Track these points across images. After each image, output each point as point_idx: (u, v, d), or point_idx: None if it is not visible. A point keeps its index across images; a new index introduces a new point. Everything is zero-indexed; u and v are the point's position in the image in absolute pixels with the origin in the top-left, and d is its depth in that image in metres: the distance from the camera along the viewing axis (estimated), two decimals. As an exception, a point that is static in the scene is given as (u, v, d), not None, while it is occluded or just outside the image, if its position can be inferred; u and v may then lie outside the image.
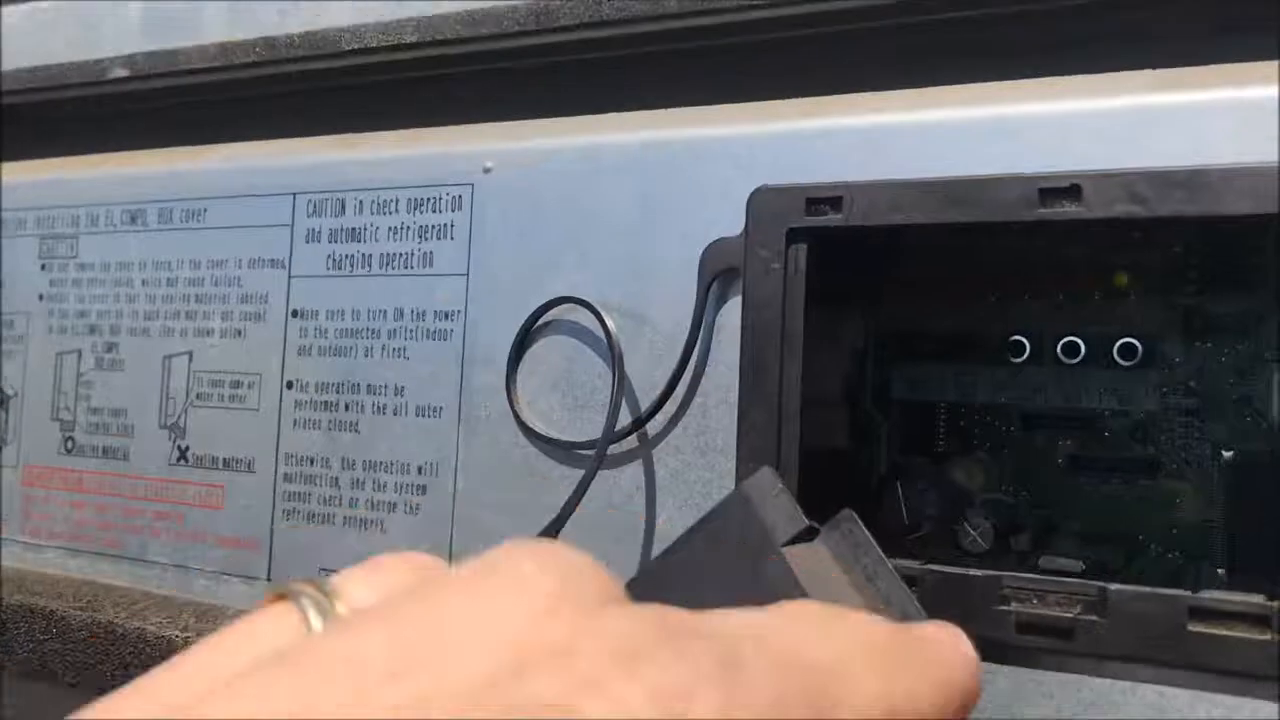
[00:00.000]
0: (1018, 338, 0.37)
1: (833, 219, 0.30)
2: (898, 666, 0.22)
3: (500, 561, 0.20)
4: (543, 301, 0.34)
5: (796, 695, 0.19)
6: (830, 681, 0.20)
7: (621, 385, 0.32)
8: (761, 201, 0.31)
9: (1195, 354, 0.35)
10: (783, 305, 0.30)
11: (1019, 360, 0.37)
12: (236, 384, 0.40)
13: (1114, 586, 0.27)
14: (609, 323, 0.32)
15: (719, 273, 0.31)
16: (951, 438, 0.38)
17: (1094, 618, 0.27)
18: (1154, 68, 0.28)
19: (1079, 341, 0.36)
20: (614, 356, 0.32)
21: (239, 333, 0.40)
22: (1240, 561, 0.35)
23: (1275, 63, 0.28)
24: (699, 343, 0.32)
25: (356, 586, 0.21)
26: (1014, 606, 0.28)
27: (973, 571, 0.28)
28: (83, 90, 0.42)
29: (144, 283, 0.43)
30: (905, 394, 0.39)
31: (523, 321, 0.34)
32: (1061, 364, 0.37)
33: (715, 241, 0.32)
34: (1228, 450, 0.35)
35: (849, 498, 0.35)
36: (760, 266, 0.31)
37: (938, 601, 0.28)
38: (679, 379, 0.32)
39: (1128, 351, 0.36)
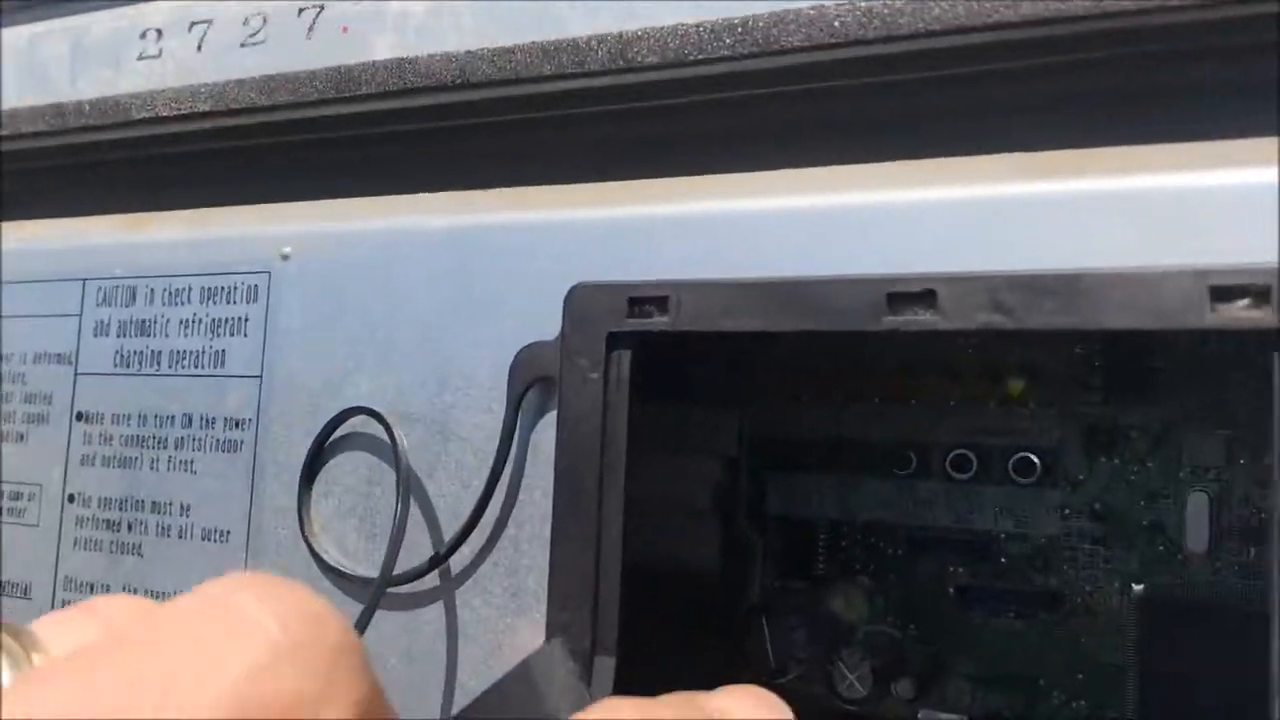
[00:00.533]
0: (904, 450, 0.33)
1: (658, 322, 0.25)
2: None
3: (216, 598, 0.17)
4: (337, 411, 0.29)
5: None
6: None
7: (406, 511, 0.27)
8: (579, 301, 0.26)
9: (1100, 471, 0.31)
10: (603, 420, 0.26)
11: (905, 473, 0.33)
12: (16, 495, 0.35)
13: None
14: (400, 439, 0.28)
15: (532, 382, 0.27)
16: (832, 561, 0.34)
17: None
18: (1025, 150, 0.24)
19: (970, 455, 0.32)
20: (401, 477, 0.27)
21: (21, 436, 0.35)
22: (1154, 711, 0.30)
23: (1174, 145, 0.24)
24: (510, 464, 0.27)
25: (61, 633, 0.19)
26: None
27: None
28: None
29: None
30: (781, 509, 0.34)
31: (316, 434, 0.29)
32: (952, 479, 0.32)
33: (528, 346, 0.27)
34: (1138, 583, 0.30)
35: (711, 629, 0.30)
36: (577, 376, 0.26)
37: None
38: (485, 507, 0.27)
39: (1024, 467, 0.31)
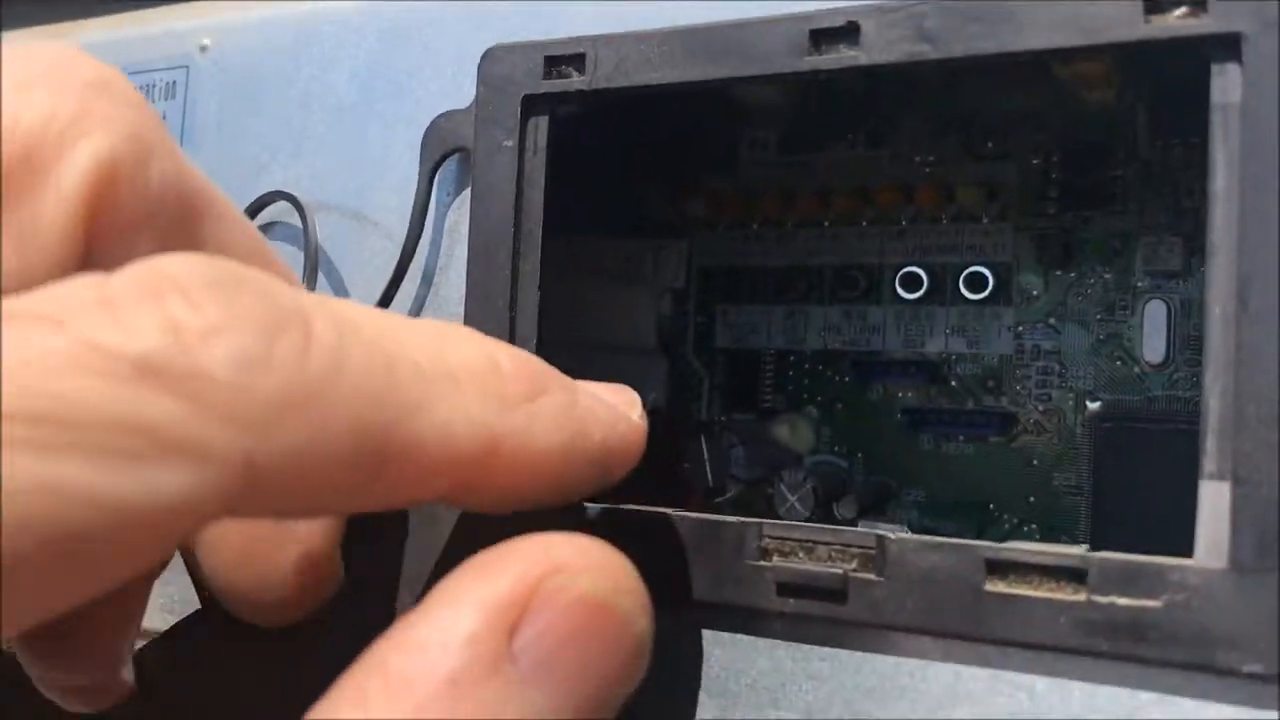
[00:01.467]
0: (852, 271, 0.31)
1: (575, 82, 0.24)
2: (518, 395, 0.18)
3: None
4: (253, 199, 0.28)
5: (360, 363, 0.16)
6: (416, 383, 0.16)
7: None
8: (493, 63, 0.25)
9: (1055, 285, 0.29)
10: (517, 192, 0.24)
11: (854, 296, 0.31)
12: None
13: (895, 535, 0.21)
14: (312, 223, 0.26)
15: (446, 154, 0.26)
16: (779, 392, 0.32)
17: (871, 575, 0.21)
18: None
19: (920, 272, 0.31)
20: (309, 263, 0.26)
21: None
22: (1109, 533, 0.29)
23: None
24: (425, 245, 0.26)
25: None
26: (775, 562, 0.21)
27: (726, 518, 0.22)
28: None
29: None
30: (729, 341, 0.33)
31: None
32: (902, 301, 0.31)
33: (441, 115, 0.26)
34: (1093, 400, 0.29)
35: (652, 458, 0.29)
36: (492, 144, 0.25)
37: (689, 556, 0.22)
38: (394, 291, 0.26)
39: (977, 283, 0.30)
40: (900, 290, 0.31)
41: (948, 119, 0.30)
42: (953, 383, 0.30)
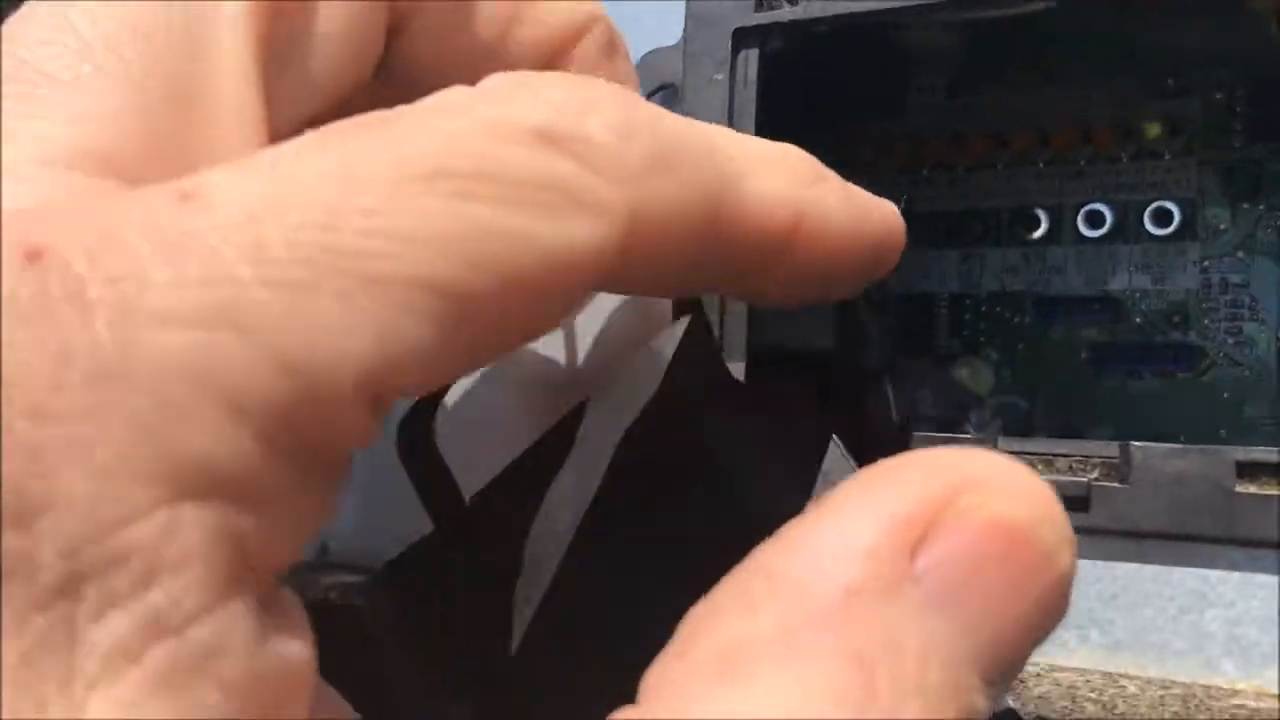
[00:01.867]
0: (1033, 210, 0.31)
1: (786, 13, 0.24)
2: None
3: None
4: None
5: (694, 137, 0.17)
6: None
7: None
8: (703, 2, 0.25)
9: (1243, 218, 0.29)
10: (729, 125, 0.25)
11: (1035, 237, 0.31)
12: None
13: (1139, 444, 0.21)
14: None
15: (653, 91, 0.26)
16: (954, 335, 0.33)
17: (1114, 484, 0.21)
18: None
19: (1104, 209, 0.31)
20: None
21: None
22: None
23: None
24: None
25: None
26: (1012, 475, 0.22)
27: (960, 436, 0.22)
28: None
29: None
30: (901, 286, 0.33)
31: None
32: (1084, 239, 0.31)
33: (649, 52, 0.26)
34: (1287, 331, 0.29)
35: (834, 400, 0.29)
36: (700, 79, 0.25)
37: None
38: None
39: (1162, 218, 0.30)
40: (1082, 228, 0.31)
41: (1124, 58, 0.30)
42: (1137, 319, 0.30)
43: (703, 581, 0.17)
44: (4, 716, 0.12)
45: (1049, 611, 0.15)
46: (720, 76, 0.25)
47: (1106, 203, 0.30)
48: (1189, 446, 0.20)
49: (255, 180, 0.14)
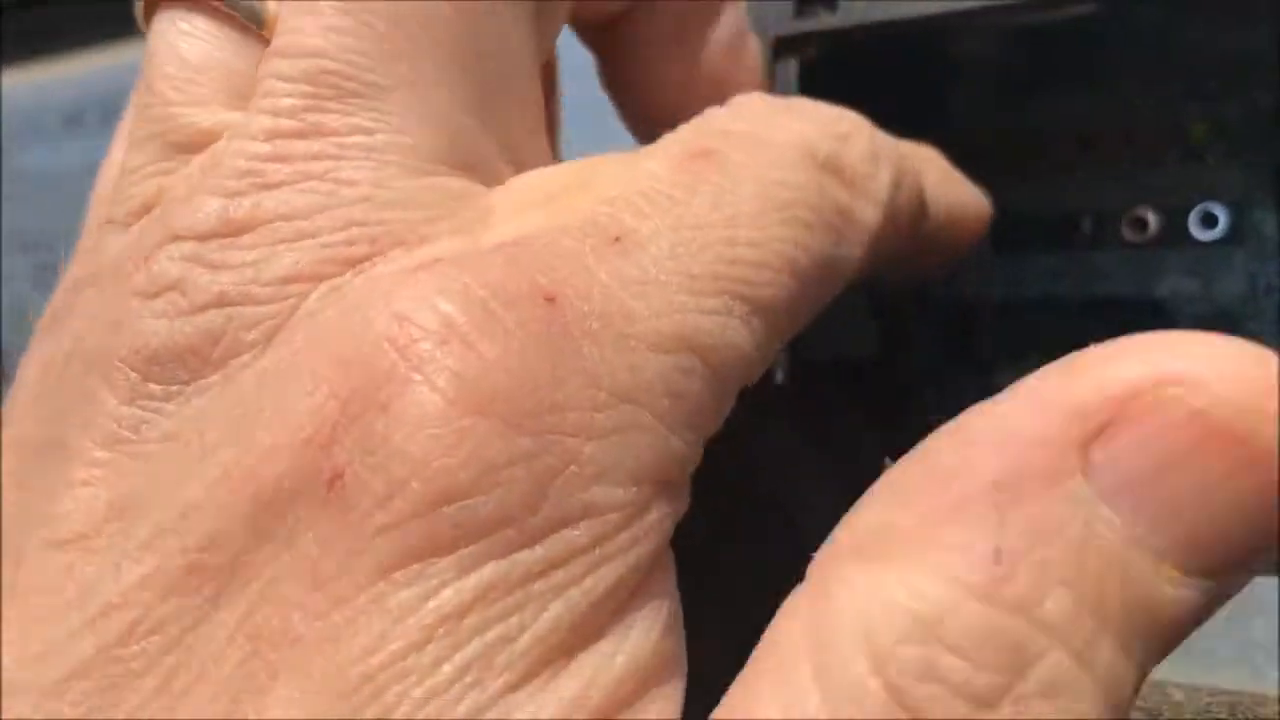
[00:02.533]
0: (1074, 216, 0.31)
1: (826, 20, 0.25)
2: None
3: None
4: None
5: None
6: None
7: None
8: (746, 8, 0.25)
9: (1292, 221, 0.29)
10: (769, 133, 0.25)
11: (1078, 243, 0.31)
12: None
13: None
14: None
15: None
16: (998, 340, 0.32)
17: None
18: None
19: (1148, 214, 0.30)
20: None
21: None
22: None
23: None
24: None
25: None
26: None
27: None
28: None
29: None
30: (944, 292, 0.33)
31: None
32: (1130, 244, 0.31)
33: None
34: (1335, 333, 0.28)
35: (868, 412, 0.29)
36: (742, 88, 0.25)
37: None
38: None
39: (1208, 222, 0.30)
40: (1127, 233, 0.30)
41: (1169, 60, 0.30)
42: (1183, 325, 0.30)
43: (744, 590, 0.17)
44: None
45: (1260, 527, 0.14)
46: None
47: (1152, 207, 0.30)
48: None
49: (661, 219, 0.17)
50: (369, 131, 0.17)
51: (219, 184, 0.17)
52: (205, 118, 0.18)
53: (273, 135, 0.17)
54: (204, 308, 0.17)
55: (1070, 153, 0.31)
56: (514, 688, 0.14)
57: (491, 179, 0.19)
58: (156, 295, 0.17)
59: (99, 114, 0.38)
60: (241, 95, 0.19)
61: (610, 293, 0.16)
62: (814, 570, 0.15)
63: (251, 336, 0.17)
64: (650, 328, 0.16)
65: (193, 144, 0.18)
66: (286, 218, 0.17)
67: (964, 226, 0.25)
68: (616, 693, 0.15)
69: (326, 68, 0.18)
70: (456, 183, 0.18)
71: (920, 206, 0.22)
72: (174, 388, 0.17)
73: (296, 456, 0.15)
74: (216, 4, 0.19)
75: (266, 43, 0.19)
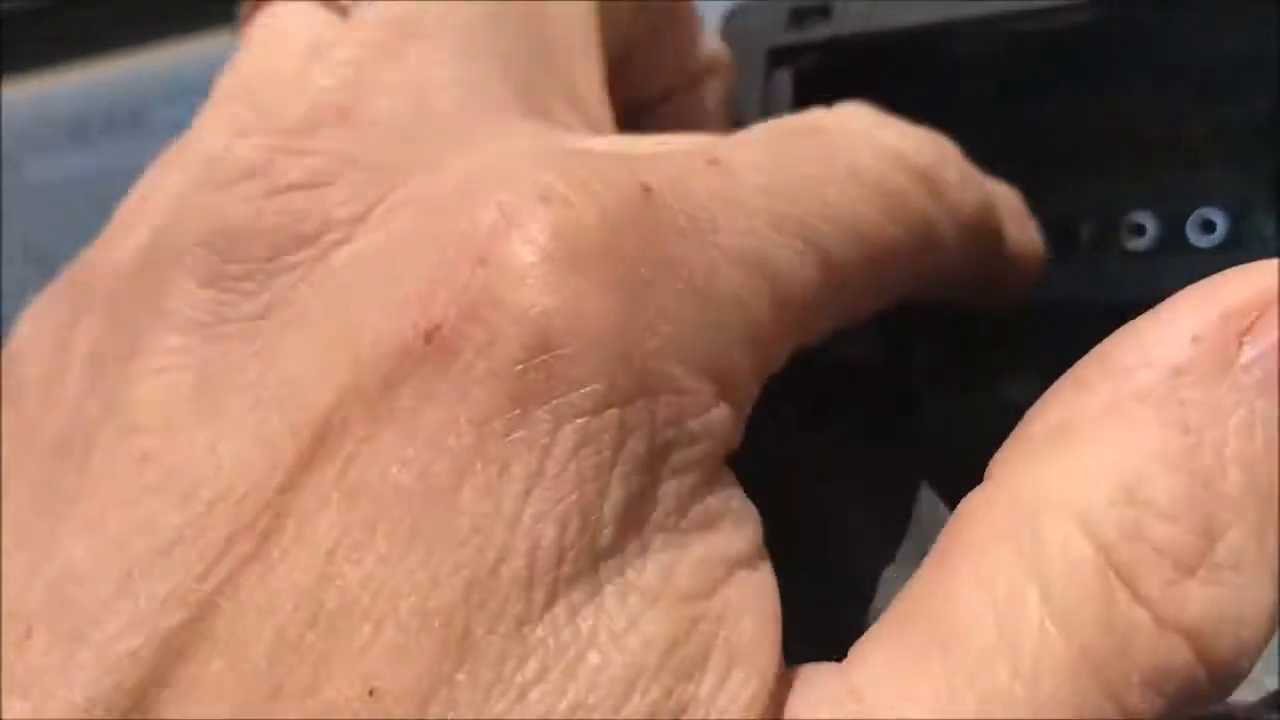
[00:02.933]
0: (1075, 222, 0.31)
1: (819, 31, 0.25)
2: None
3: None
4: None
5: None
6: None
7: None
8: (738, 21, 0.25)
9: (1292, 228, 0.29)
10: (764, 144, 0.25)
11: (1077, 246, 0.31)
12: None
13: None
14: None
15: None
16: (998, 347, 0.32)
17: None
18: None
19: (1147, 220, 0.30)
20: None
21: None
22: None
23: None
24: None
25: None
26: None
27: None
28: None
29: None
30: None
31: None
32: (1128, 249, 0.31)
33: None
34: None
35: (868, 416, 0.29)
36: (735, 101, 0.25)
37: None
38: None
39: (1207, 227, 0.30)
40: (1125, 239, 0.30)
41: (1168, 65, 0.30)
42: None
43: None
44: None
45: None
46: (754, 97, 0.25)
47: (1150, 213, 0.30)
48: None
49: (761, 158, 0.18)
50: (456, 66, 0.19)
51: (312, 83, 0.18)
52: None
53: (365, 45, 0.18)
54: (290, 188, 0.17)
55: (1068, 159, 0.31)
56: (612, 547, 0.15)
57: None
58: (236, 181, 0.17)
59: (103, 124, 0.38)
60: None
61: (701, 200, 0.17)
62: (997, 467, 0.16)
63: (343, 214, 0.17)
64: (731, 242, 0.17)
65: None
66: (394, 121, 0.18)
67: (1027, 269, 0.26)
68: (715, 561, 0.16)
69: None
70: (534, 123, 0.19)
71: (997, 240, 0.23)
72: (254, 266, 0.17)
73: (396, 316, 0.15)
74: None
75: None
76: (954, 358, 0.32)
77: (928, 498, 0.22)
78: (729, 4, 0.26)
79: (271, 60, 0.19)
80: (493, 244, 0.15)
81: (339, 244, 0.17)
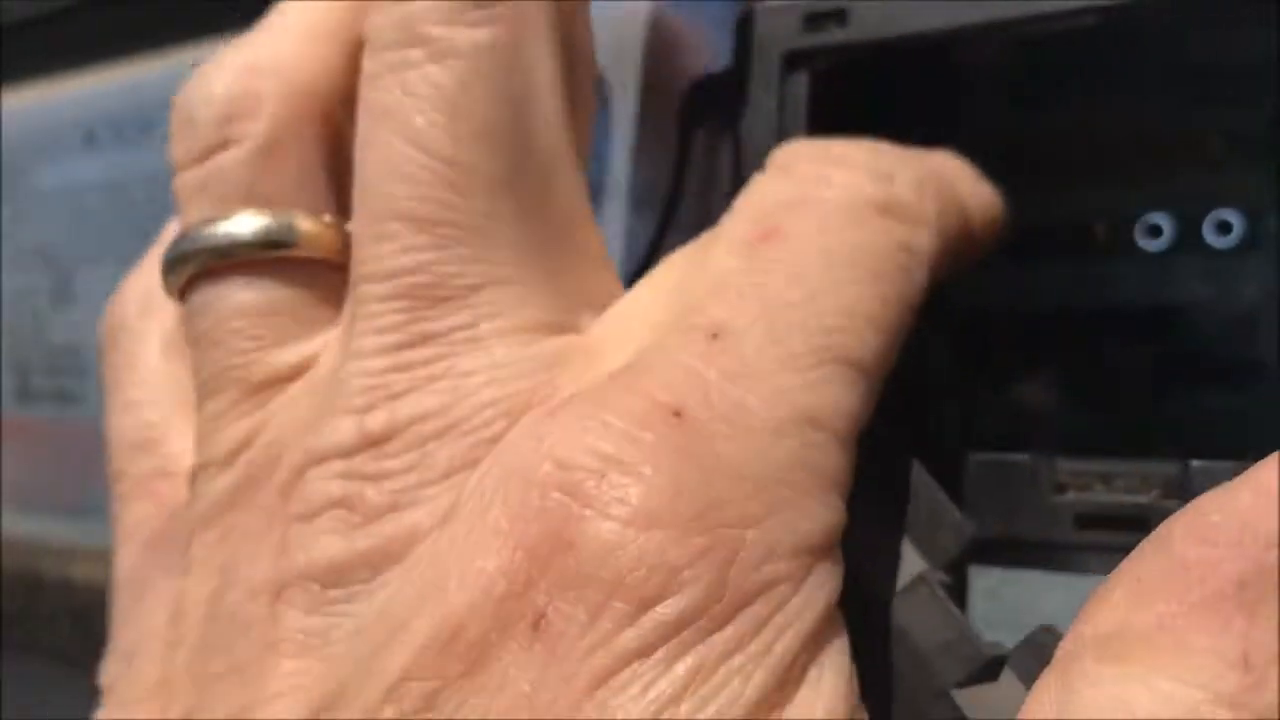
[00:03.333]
0: (1089, 224, 0.31)
1: (835, 35, 0.24)
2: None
3: None
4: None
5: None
6: None
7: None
8: (751, 25, 0.25)
9: (1308, 227, 0.29)
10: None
11: (1092, 251, 0.31)
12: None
13: (1198, 462, 0.20)
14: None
15: (703, 118, 0.26)
16: (1012, 350, 0.32)
17: (1174, 503, 0.21)
18: None
19: (1162, 222, 0.30)
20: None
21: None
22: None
23: None
24: (683, 208, 0.26)
25: None
26: (1072, 496, 0.22)
27: (1016, 456, 0.22)
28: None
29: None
30: (959, 301, 0.33)
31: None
32: (1144, 252, 0.30)
33: (698, 79, 0.26)
34: (1354, 342, 0.28)
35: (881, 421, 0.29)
36: (750, 104, 0.25)
37: (978, 494, 0.22)
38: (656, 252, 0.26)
39: (1223, 229, 0.30)
40: (1141, 241, 0.30)
41: (1181, 67, 0.30)
42: (1200, 333, 0.30)
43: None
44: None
45: None
46: (770, 101, 0.25)
47: (1166, 214, 0.30)
48: (1248, 465, 0.20)
49: (750, 309, 0.19)
50: (470, 325, 0.19)
51: (346, 403, 0.19)
52: (286, 356, 0.21)
53: (385, 350, 0.19)
54: (378, 515, 0.18)
55: (1083, 162, 0.31)
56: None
57: (580, 327, 0.21)
58: (318, 514, 0.19)
59: (113, 131, 0.38)
60: (304, 324, 0.21)
61: (725, 392, 0.18)
62: (1059, 659, 0.16)
63: (427, 524, 0.18)
64: (770, 417, 0.18)
65: (274, 381, 0.21)
66: (423, 419, 0.19)
67: (994, 225, 0.27)
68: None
69: (417, 282, 0.19)
70: (555, 342, 0.20)
71: (962, 216, 0.24)
72: (356, 588, 0.18)
73: (497, 609, 0.17)
74: (248, 259, 0.21)
75: (304, 262, 0.21)
76: (966, 360, 0.32)
77: (939, 502, 0.22)
78: (738, 5, 0.25)
79: (257, 366, 0.21)
80: (571, 528, 0.17)
81: (425, 548, 0.18)
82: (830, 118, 0.25)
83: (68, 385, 0.39)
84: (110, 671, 0.23)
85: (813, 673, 0.17)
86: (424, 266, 0.19)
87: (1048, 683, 0.16)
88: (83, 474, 0.38)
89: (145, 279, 0.26)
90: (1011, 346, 0.32)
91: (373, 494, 0.19)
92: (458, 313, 0.19)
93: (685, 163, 0.26)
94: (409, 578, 0.18)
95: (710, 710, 0.16)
